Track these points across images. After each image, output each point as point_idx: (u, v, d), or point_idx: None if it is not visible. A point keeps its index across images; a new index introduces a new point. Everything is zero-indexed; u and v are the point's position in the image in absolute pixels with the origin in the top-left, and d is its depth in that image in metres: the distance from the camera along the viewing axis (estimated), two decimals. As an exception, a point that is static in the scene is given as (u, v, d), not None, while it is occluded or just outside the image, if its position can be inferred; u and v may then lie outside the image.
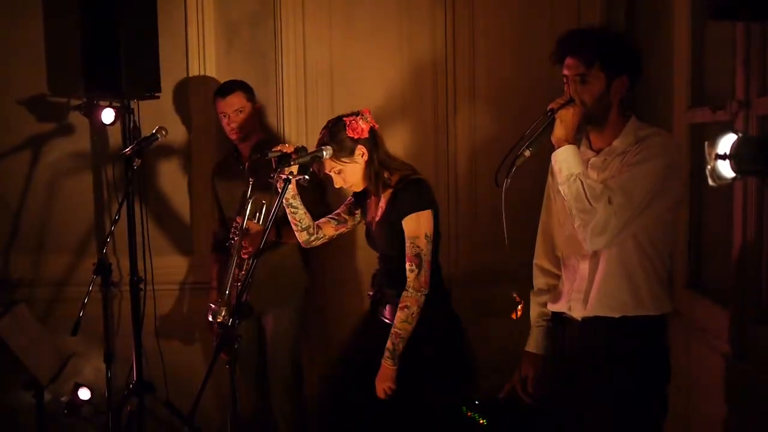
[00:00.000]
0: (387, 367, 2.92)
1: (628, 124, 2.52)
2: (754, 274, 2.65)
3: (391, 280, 3.04)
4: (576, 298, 2.58)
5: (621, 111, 2.53)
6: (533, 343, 2.81)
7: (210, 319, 2.64)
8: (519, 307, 2.77)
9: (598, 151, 2.56)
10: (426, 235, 2.90)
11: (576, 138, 2.49)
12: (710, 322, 2.90)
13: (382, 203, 3.01)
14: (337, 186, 3.03)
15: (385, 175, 2.98)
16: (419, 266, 2.89)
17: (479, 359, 2.95)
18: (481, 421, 3.39)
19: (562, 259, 2.69)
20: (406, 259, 2.91)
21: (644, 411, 2.52)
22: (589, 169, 2.51)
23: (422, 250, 2.89)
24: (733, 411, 2.70)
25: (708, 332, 2.90)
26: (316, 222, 3.12)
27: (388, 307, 3.03)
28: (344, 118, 2.94)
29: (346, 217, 3.17)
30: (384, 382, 2.93)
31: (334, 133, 2.93)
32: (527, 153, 2.44)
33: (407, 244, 2.90)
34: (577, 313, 2.57)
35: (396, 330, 2.90)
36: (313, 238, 3.10)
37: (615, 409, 2.51)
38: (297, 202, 3.00)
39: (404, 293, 2.90)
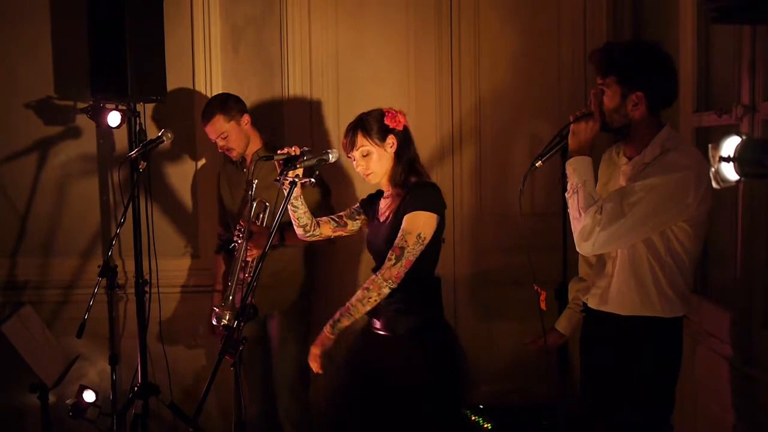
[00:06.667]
0: (326, 333, 2.91)
1: (658, 135, 2.51)
2: (759, 278, 2.65)
3: None
4: (594, 293, 2.66)
5: (651, 122, 2.52)
6: (560, 322, 2.98)
7: (214, 321, 2.64)
8: (542, 297, 2.77)
9: (631, 159, 2.59)
10: (419, 236, 2.82)
11: (590, 150, 2.54)
12: (716, 326, 2.89)
13: (394, 205, 2.95)
14: (358, 170, 2.96)
15: (412, 179, 2.95)
16: (398, 259, 2.81)
17: (482, 364, 2.93)
18: (486, 426, 3.40)
19: (597, 257, 2.73)
20: (391, 248, 2.84)
21: (649, 407, 2.53)
22: (620, 177, 2.57)
23: (408, 246, 2.82)
24: (739, 415, 2.70)
25: (714, 336, 2.90)
26: (317, 219, 3.10)
27: (381, 320, 2.96)
28: (383, 108, 2.96)
29: (347, 221, 3.13)
30: (316, 347, 2.93)
31: (371, 114, 2.95)
32: (538, 164, 2.60)
33: (398, 236, 2.84)
34: (594, 305, 2.66)
35: (349, 305, 2.89)
36: (308, 234, 3.07)
37: (625, 401, 2.54)
38: (298, 203, 2.98)
39: (372, 276, 2.87)
